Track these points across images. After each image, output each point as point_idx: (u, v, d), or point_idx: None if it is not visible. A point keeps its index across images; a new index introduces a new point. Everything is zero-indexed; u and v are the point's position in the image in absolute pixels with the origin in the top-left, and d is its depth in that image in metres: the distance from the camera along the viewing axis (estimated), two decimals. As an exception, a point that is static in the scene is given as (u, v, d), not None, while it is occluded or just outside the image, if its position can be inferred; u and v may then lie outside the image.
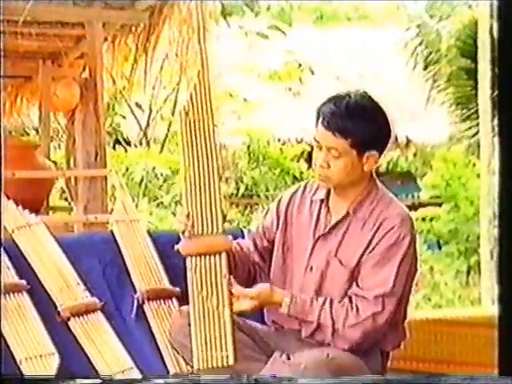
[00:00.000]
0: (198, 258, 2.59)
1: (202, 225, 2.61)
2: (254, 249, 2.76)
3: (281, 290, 2.62)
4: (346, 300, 2.59)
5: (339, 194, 2.65)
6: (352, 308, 2.57)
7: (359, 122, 2.54)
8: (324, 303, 2.58)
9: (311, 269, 2.65)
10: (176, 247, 2.62)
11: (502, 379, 2.26)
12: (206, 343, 2.53)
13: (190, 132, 2.64)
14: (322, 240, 2.65)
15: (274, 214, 2.76)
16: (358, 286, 2.59)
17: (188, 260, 2.59)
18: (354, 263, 2.60)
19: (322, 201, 2.68)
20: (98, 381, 2.37)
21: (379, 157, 2.61)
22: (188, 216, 2.59)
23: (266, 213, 2.80)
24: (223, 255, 2.59)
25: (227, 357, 2.52)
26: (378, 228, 2.58)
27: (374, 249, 2.58)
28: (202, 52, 2.65)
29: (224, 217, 2.64)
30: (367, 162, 2.58)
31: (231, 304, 2.56)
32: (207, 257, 2.59)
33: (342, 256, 2.61)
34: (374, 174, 2.67)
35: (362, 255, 2.59)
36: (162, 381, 2.40)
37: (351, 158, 2.57)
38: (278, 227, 2.74)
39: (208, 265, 2.58)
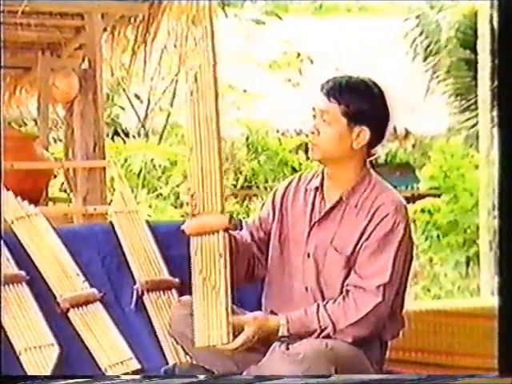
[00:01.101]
0: (199, 237, 2.60)
1: (203, 204, 2.62)
2: (251, 240, 2.77)
3: (274, 316, 2.60)
4: (341, 297, 2.58)
5: (333, 180, 2.66)
6: (349, 305, 2.56)
7: (355, 93, 2.59)
8: (318, 309, 2.58)
9: (308, 255, 2.66)
10: (181, 227, 2.64)
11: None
12: (205, 323, 2.54)
13: (195, 112, 2.65)
14: (317, 226, 2.66)
15: (270, 205, 2.77)
16: (356, 274, 2.59)
17: (191, 240, 2.61)
18: (349, 251, 2.60)
19: (316, 189, 2.69)
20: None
21: (372, 140, 2.61)
22: (192, 196, 2.61)
23: (263, 205, 2.82)
24: (220, 234, 2.59)
25: (221, 336, 2.52)
26: (372, 215, 2.59)
27: (369, 236, 2.58)
28: (208, 36, 2.65)
29: (224, 197, 2.65)
30: (357, 138, 2.60)
31: (228, 283, 2.55)
32: (205, 236, 2.59)
33: (338, 243, 2.62)
34: (369, 163, 2.67)
35: (357, 242, 2.60)
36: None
37: (341, 127, 2.59)
38: (274, 218, 2.75)
39: (206, 244, 2.59)
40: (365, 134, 2.60)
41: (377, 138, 2.64)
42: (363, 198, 2.62)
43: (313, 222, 2.67)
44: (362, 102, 2.60)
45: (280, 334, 2.57)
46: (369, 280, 2.57)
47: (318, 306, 2.58)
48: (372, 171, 2.68)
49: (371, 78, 2.66)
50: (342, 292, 2.60)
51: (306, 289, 2.65)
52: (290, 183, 2.77)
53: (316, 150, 2.64)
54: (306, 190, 2.72)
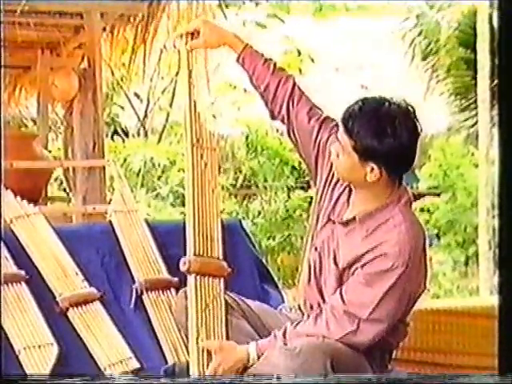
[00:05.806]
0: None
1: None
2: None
3: (242, 346, 2.57)
4: (313, 317, 2.52)
5: (358, 194, 2.57)
6: (321, 328, 2.50)
7: (371, 129, 2.42)
8: (285, 332, 2.53)
9: (316, 249, 2.62)
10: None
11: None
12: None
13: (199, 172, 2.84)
14: (331, 223, 2.60)
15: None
16: (340, 294, 2.51)
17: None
18: (343, 267, 2.54)
19: (347, 186, 2.61)
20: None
21: (392, 172, 2.50)
22: None
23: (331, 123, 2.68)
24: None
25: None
26: (374, 247, 2.48)
27: (364, 266, 2.49)
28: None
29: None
30: (371, 172, 2.47)
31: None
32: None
33: (338, 254, 2.56)
34: (404, 191, 2.57)
35: (351, 265, 2.52)
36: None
37: (353, 160, 2.47)
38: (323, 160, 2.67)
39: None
40: (377, 171, 2.47)
41: (400, 169, 2.53)
42: (376, 225, 2.50)
43: (330, 217, 2.61)
44: (374, 142, 2.42)
45: (251, 362, 2.54)
46: (348, 306, 2.49)
47: (285, 329, 2.54)
48: (403, 199, 2.54)
49: (401, 110, 2.46)
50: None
51: (309, 281, 2.63)
52: None
53: (335, 170, 2.56)
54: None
